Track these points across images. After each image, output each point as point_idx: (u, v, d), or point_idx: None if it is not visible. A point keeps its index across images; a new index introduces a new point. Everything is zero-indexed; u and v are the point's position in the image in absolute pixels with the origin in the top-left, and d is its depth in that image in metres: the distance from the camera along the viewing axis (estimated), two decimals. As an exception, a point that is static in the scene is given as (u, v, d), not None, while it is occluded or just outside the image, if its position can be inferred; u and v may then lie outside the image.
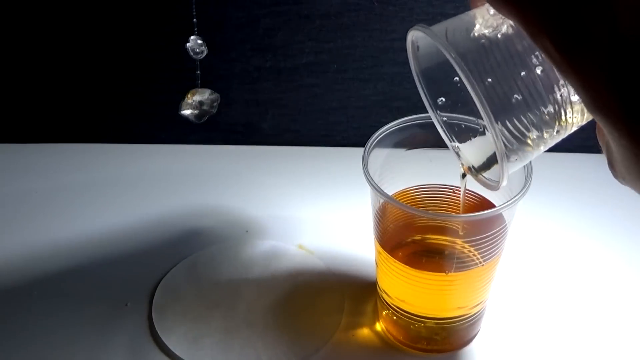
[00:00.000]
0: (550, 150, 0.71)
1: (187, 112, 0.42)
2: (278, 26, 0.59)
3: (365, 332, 0.47)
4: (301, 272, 0.52)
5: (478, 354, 0.46)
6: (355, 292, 0.50)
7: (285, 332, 0.47)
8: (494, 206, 0.43)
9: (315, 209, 0.58)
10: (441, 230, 0.44)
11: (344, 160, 0.62)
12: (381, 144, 0.43)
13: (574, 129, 0.31)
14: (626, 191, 0.63)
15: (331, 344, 0.46)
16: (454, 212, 0.46)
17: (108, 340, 0.47)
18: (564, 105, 0.29)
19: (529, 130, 0.29)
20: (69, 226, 0.56)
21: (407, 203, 0.45)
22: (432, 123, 0.44)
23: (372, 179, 0.40)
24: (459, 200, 0.46)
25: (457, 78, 0.29)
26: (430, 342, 0.45)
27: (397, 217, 0.43)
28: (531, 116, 0.28)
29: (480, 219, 0.42)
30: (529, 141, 0.30)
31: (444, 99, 0.35)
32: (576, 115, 0.30)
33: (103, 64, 0.63)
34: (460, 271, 0.43)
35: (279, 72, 0.62)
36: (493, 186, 0.34)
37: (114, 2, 0.59)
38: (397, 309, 0.45)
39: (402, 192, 0.46)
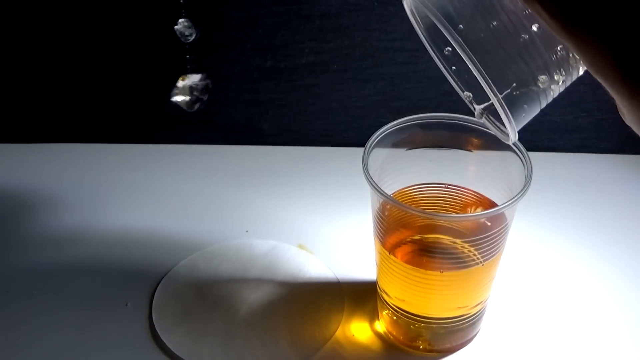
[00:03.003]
0: (550, 150, 0.71)
1: (178, 98, 0.42)
2: (278, 26, 0.59)
3: (365, 332, 0.47)
4: (301, 272, 0.52)
5: (478, 354, 0.46)
6: (355, 292, 0.50)
7: (285, 332, 0.47)
8: (494, 205, 0.43)
9: (315, 209, 0.58)
10: (441, 229, 0.44)
11: (344, 160, 0.62)
12: (381, 144, 0.43)
13: (581, 71, 0.31)
14: (626, 191, 0.64)
15: (331, 344, 0.46)
16: (453, 211, 0.46)
17: (108, 340, 0.47)
18: (566, 54, 0.29)
19: (533, 75, 0.29)
20: (68, 226, 0.56)
21: (407, 203, 0.45)
22: (432, 123, 0.44)
23: (372, 179, 0.40)
24: (459, 200, 0.46)
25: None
26: (430, 342, 0.45)
27: (397, 217, 0.43)
28: (532, 60, 0.29)
29: (480, 218, 0.42)
30: (535, 85, 0.30)
31: (450, 49, 0.35)
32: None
33: (103, 64, 0.63)
34: (460, 271, 0.43)
35: (279, 72, 0.62)
36: (506, 136, 0.34)
37: (116, 3, 0.59)
38: (397, 309, 0.45)
39: (402, 192, 0.46)
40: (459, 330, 0.45)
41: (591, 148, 0.64)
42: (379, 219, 0.42)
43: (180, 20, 0.40)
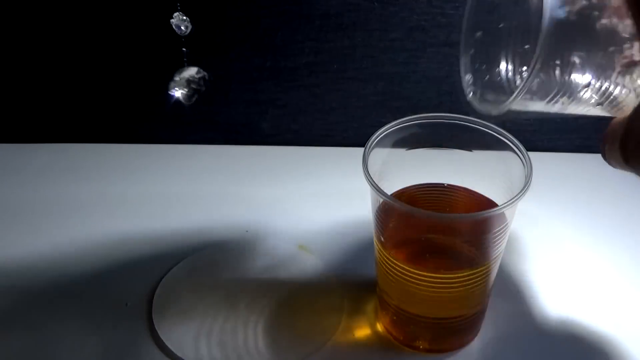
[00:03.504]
0: (550, 150, 0.71)
1: (177, 92, 0.42)
2: (278, 26, 0.59)
3: (365, 332, 0.47)
4: (301, 272, 0.52)
5: (478, 354, 0.46)
6: (355, 292, 0.50)
7: (285, 332, 0.47)
8: (494, 206, 0.43)
9: (315, 209, 0.58)
10: (441, 229, 0.44)
11: (344, 160, 0.62)
12: (381, 144, 0.43)
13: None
14: (626, 191, 0.64)
15: (331, 344, 0.46)
16: (453, 211, 0.46)
17: (108, 340, 0.47)
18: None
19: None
20: (68, 226, 0.56)
21: (407, 203, 0.45)
22: (432, 123, 0.44)
23: (372, 179, 0.40)
24: (460, 200, 0.46)
25: None
26: (430, 342, 0.45)
27: (397, 217, 0.43)
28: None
29: (480, 218, 0.42)
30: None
31: (481, 33, 0.36)
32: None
33: (103, 64, 0.63)
34: (460, 271, 0.43)
35: (279, 72, 0.62)
36: (497, 106, 0.34)
37: (116, 3, 0.59)
38: (397, 309, 0.45)
39: (402, 192, 0.46)
40: (459, 330, 0.45)
41: (591, 148, 0.64)
42: (379, 219, 0.42)
43: (175, 14, 0.41)
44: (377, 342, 0.47)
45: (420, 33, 0.59)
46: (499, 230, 0.41)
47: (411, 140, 0.44)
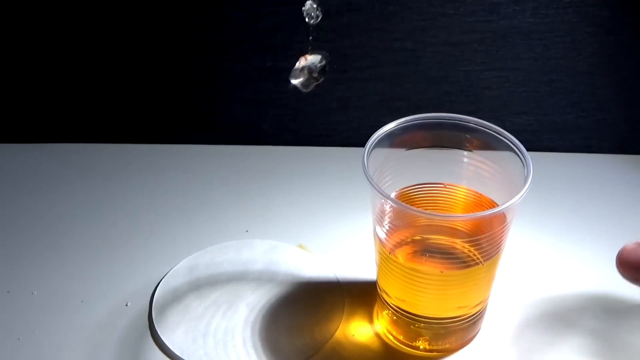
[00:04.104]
0: (550, 150, 0.71)
1: (295, 80, 0.42)
2: (278, 26, 0.59)
3: (365, 332, 0.47)
4: (301, 272, 0.52)
5: (478, 354, 0.46)
6: (355, 292, 0.50)
7: (285, 332, 0.47)
8: (494, 205, 0.43)
9: (315, 209, 0.58)
10: (441, 229, 0.44)
11: (344, 160, 0.62)
12: (381, 144, 0.43)
13: None
14: (626, 191, 0.64)
15: (331, 344, 0.46)
16: (453, 211, 0.46)
17: (108, 340, 0.47)
18: None
19: None
20: (68, 226, 0.56)
21: (407, 203, 0.45)
22: (432, 123, 0.44)
23: (372, 179, 0.40)
24: (460, 200, 0.46)
25: None
26: (430, 342, 0.45)
27: (397, 217, 0.43)
28: None
29: (480, 218, 0.42)
30: None
31: None
32: None
33: (103, 64, 0.63)
34: (460, 271, 0.43)
35: (279, 72, 0.62)
36: None
37: (116, 3, 0.59)
38: (397, 309, 0.45)
39: (402, 192, 0.46)
40: (459, 330, 0.45)
41: (591, 148, 0.64)
42: (379, 219, 0.42)
43: (308, 2, 0.41)
44: (377, 342, 0.47)
45: (420, 33, 0.59)
46: (498, 230, 0.41)
47: (411, 140, 0.44)
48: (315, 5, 0.41)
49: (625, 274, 0.42)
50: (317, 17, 0.41)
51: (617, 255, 0.42)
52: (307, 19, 0.41)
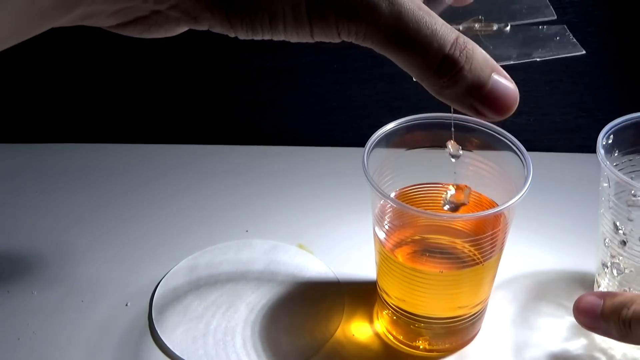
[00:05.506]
0: (550, 150, 0.71)
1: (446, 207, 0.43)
2: (278, 26, 0.59)
3: (365, 332, 0.47)
4: (301, 272, 0.52)
5: (478, 354, 0.46)
6: (355, 292, 0.50)
7: (285, 332, 0.47)
8: (494, 205, 0.43)
9: (315, 209, 0.58)
10: (441, 229, 0.45)
11: (344, 160, 0.62)
12: (381, 144, 0.43)
13: None
14: (626, 191, 0.63)
15: (331, 344, 0.46)
16: (453, 211, 0.46)
17: (108, 340, 0.47)
18: None
19: None
20: (68, 226, 0.56)
21: (407, 203, 0.45)
22: (432, 123, 0.44)
23: (372, 179, 0.40)
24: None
25: None
26: (430, 342, 0.45)
27: (397, 217, 0.43)
28: None
29: (480, 218, 0.42)
30: None
31: None
32: None
33: (103, 64, 0.63)
34: (460, 271, 0.43)
35: (279, 72, 0.62)
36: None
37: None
38: (397, 309, 0.45)
39: (402, 192, 0.46)
40: (459, 330, 0.45)
41: (591, 148, 0.64)
42: (379, 219, 0.42)
43: (450, 143, 0.41)
44: (377, 342, 0.47)
45: (420, 33, 0.59)
46: (498, 230, 0.41)
47: (411, 140, 0.44)
48: (457, 147, 0.42)
49: (581, 322, 0.43)
50: (458, 155, 0.42)
51: (574, 304, 0.44)
52: (451, 158, 0.42)
